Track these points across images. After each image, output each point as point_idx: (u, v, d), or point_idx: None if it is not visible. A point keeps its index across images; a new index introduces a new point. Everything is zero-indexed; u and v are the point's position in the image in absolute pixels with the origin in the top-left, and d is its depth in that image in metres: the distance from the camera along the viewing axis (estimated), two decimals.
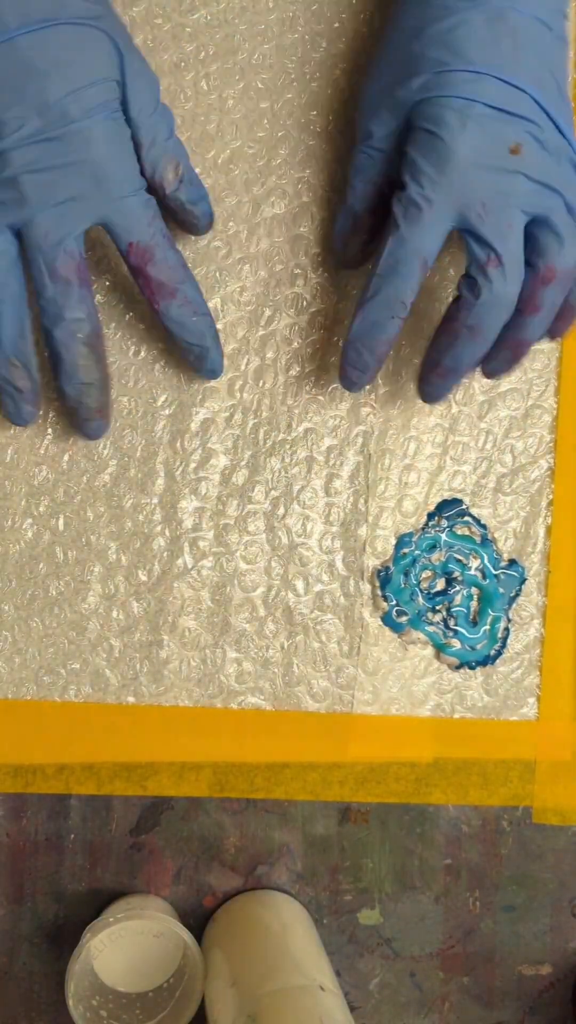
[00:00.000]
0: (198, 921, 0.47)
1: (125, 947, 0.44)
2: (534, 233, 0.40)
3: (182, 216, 0.43)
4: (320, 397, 0.47)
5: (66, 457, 0.46)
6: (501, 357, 0.42)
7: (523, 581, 0.48)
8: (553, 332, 0.43)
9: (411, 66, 0.40)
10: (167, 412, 0.46)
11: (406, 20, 0.41)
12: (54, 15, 0.38)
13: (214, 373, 0.45)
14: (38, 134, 0.38)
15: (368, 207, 0.43)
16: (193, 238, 0.46)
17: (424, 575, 0.48)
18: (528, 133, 0.39)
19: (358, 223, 0.43)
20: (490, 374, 0.44)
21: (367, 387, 0.45)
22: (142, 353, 0.46)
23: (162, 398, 0.46)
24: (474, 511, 0.48)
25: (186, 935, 0.41)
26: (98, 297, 0.46)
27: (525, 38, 0.39)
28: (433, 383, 0.43)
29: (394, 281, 0.40)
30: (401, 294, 0.40)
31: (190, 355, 0.43)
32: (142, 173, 0.41)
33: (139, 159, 0.40)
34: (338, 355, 0.47)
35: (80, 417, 0.43)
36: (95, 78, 0.38)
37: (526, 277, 0.40)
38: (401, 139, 0.41)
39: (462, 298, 0.40)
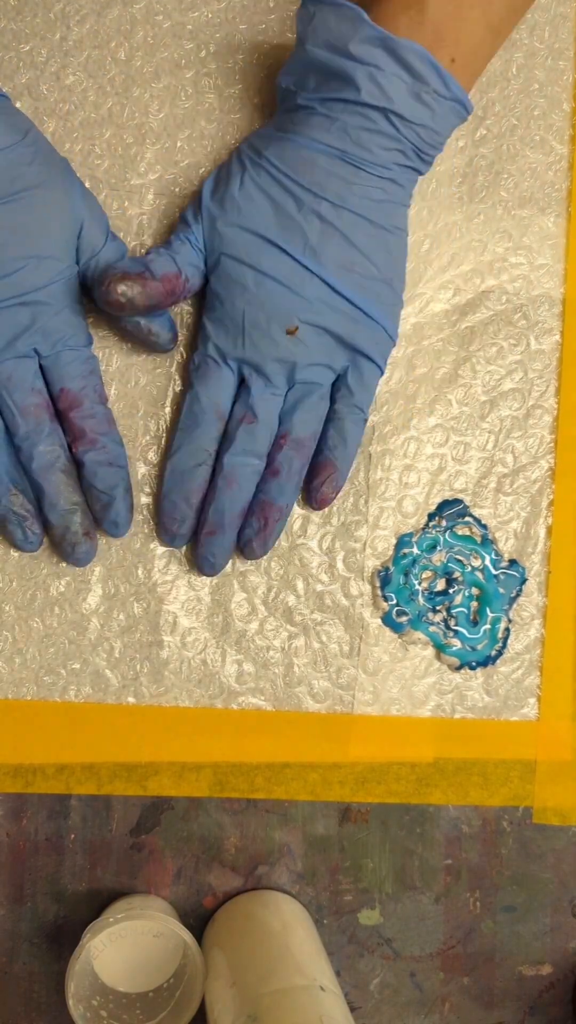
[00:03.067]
0: (198, 921, 0.47)
1: (125, 947, 0.44)
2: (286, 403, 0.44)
3: (141, 335, 0.44)
4: None
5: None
6: (253, 524, 0.44)
7: (523, 581, 0.48)
8: (314, 496, 0.45)
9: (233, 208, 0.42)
10: (168, 411, 0.46)
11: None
12: (9, 190, 0.41)
13: (116, 526, 0.44)
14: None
15: None
16: None
17: (424, 575, 0.48)
18: (310, 317, 0.42)
19: None
20: (244, 547, 0.45)
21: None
22: (142, 353, 0.46)
23: (165, 398, 0.46)
24: (475, 511, 0.48)
25: (186, 935, 0.41)
26: None
27: (337, 229, 0.41)
28: (205, 545, 0.44)
29: (195, 433, 0.44)
30: (204, 444, 0.44)
31: (97, 503, 0.44)
32: (97, 303, 0.43)
33: (88, 294, 0.44)
34: None
35: (68, 543, 0.43)
36: (51, 248, 0.42)
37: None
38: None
39: (219, 452, 0.44)
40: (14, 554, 0.45)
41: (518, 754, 0.48)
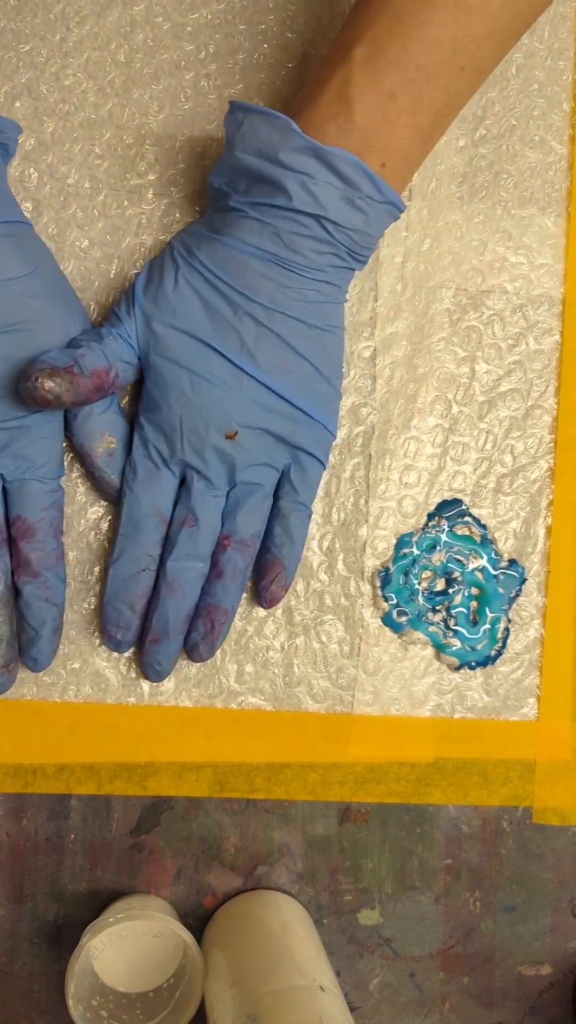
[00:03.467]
0: (198, 921, 0.47)
1: (125, 947, 0.44)
2: (229, 503, 0.43)
3: (97, 482, 0.44)
4: None
5: (67, 458, 0.46)
6: (199, 627, 0.44)
7: (523, 581, 0.48)
8: (263, 596, 0.45)
9: (168, 307, 0.42)
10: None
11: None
12: (8, 321, 0.40)
13: (35, 662, 0.43)
14: None
15: None
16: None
17: (424, 575, 0.48)
18: (249, 419, 0.42)
19: None
20: (191, 651, 0.45)
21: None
22: None
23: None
24: (474, 511, 0.48)
25: (186, 935, 0.41)
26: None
27: (272, 331, 0.41)
28: (150, 653, 0.44)
29: (137, 538, 0.43)
30: (147, 549, 0.43)
31: (23, 635, 0.43)
32: (71, 438, 0.43)
33: (68, 424, 0.43)
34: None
35: None
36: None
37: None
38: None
39: (162, 556, 0.43)
40: None
41: (518, 754, 0.48)
